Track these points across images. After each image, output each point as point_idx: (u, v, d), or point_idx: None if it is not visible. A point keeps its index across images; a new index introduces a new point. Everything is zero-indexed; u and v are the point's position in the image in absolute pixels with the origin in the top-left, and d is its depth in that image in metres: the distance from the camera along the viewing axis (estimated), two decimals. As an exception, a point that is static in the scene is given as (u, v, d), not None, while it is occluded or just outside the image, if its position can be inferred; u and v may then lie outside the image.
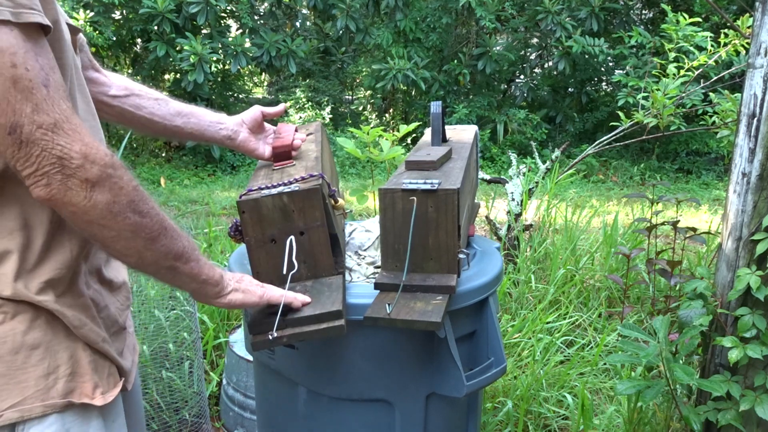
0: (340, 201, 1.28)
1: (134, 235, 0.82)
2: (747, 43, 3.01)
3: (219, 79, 8.61)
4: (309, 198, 1.12)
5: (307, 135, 1.52)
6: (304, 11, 9.53)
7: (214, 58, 7.67)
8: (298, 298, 1.07)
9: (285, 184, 1.15)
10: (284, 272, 1.12)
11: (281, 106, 1.39)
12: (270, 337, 1.03)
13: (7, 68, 0.71)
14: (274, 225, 1.13)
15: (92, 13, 7.14)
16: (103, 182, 0.77)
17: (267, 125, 1.38)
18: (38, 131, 0.73)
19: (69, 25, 0.96)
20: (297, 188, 1.13)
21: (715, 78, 3.36)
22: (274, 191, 1.13)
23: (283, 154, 1.33)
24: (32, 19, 0.73)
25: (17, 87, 0.72)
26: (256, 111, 1.35)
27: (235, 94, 9.46)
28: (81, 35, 1.06)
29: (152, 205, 0.85)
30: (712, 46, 3.23)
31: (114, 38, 7.72)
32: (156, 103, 1.22)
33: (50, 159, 0.74)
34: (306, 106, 9.42)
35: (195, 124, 1.26)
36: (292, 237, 1.13)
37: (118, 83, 1.19)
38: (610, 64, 9.06)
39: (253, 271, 1.16)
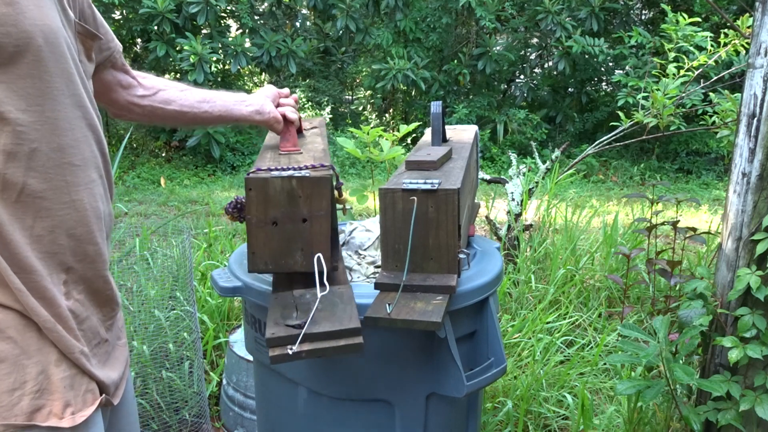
0: (345, 195, 1.28)
1: None
2: (747, 43, 3.01)
3: (219, 79, 8.61)
4: (318, 186, 1.12)
5: (312, 128, 1.53)
6: (304, 11, 9.53)
7: (214, 58, 7.66)
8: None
9: (295, 169, 1.16)
10: (318, 293, 1.11)
11: (294, 96, 1.42)
12: (290, 351, 1.02)
13: None
14: (278, 207, 1.13)
15: (92, 13, 7.13)
16: None
17: None
18: None
19: (85, 29, 0.94)
20: (307, 174, 1.13)
21: (715, 78, 3.36)
22: (284, 173, 1.13)
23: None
24: None
25: None
26: (273, 88, 1.37)
27: (235, 94, 9.44)
28: (110, 43, 1.06)
29: None
30: (712, 46, 3.23)
31: (114, 38, 7.70)
32: (182, 93, 1.22)
33: None
34: (306, 106, 9.41)
35: (221, 106, 1.27)
36: (320, 254, 1.13)
37: (145, 82, 1.19)
38: (610, 64, 9.05)
39: (249, 250, 1.16)
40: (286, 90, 1.41)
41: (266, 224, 1.13)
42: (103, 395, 0.90)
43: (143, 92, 1.18)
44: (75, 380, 0.85)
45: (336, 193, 1.24)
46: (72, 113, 0.87)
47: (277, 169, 1.15)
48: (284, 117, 1.34)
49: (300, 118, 1.45)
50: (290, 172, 1.13)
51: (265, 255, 1.15)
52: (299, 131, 1.46)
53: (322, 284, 1.12)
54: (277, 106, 1.36)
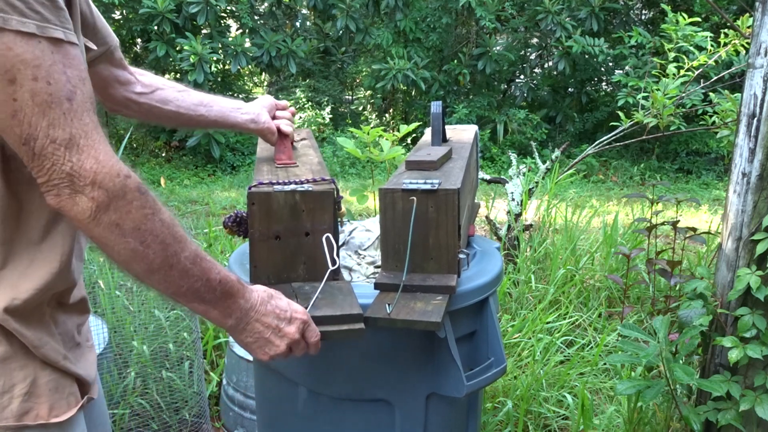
0: (343, 209, 1.29)
1: (132, 260, 0.82)
2: (747, 43, 3.01)
3: (219, 79, 8.61)
4: (321, 200, 1.12)
5: (300, 140, 1.53)
6: (304, 11, 9.53)
7: (214, 58, 7.67)
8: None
9: (297, 183, 1.16)
10: (330, 266, 1.12)
11: (292, 109, 1.43)
12: None
13: (28, 80, 0.71)
14: (281, 221, 1.13)
15: (92, 13, 7.14)
16: (109, 205, 0.77)
17: None
18: (51, 146, 0.74)
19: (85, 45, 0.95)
20: (310, 188, 1.13)
21: (715, 78, 3.36)
22: (287, 188, 1.13)
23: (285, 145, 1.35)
24: (54, 35, 0.73)
25: (35, 100, 0.72)
26: (270, 99, 1.37)
27: (235, 94, 9.45)
28: (107, 38, 1.07)
29: (163, 239, 0.83)
30: (712, 46, 3.23)
31: (114, 38, 7.70)
32: (180, 94, 1.23)
33: (60, 174, 0.75)
34: (306, 106, 9.42)
35: (218, 111, 1.27)
36: (329, 234, 1.13)
37: (143, 80, 1.19)
38: (610, 64, 9.06)
39: (251, 264, 1.16)
40: (284, 102, 1.41)
41: (269, 238, 1.13)
42: (86, 396, 0.92)
43: (141, 89, 1.18)
44: (59, 383, 0.87)
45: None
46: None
47: (279, 183, 1.15)
48: (279, 130, 1.34)
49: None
50: (293, 186, 1.13)
51: (268, 269, 1.15)
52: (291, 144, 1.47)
53: (332, 260, 1.12)
54: (273, 117, 1.36)
